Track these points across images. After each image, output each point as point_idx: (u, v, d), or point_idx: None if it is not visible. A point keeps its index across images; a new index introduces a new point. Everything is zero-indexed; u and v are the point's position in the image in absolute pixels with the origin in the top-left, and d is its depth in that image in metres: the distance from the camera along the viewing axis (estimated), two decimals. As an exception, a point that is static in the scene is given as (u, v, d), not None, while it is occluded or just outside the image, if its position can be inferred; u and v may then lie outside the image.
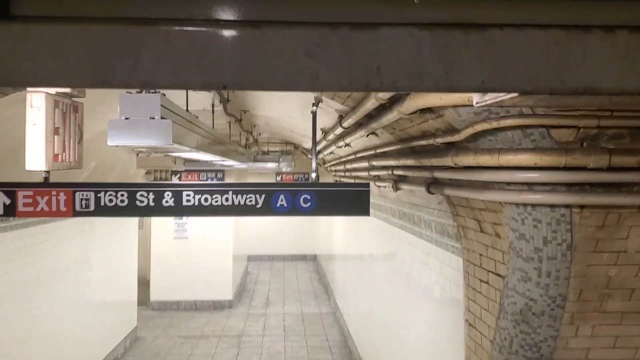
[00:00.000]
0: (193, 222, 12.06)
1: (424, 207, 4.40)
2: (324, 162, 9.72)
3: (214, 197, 4.08)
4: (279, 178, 19.06)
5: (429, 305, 4.56)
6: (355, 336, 8.86)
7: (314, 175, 4.08)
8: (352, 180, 7.69)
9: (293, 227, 18.69)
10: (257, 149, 11.23)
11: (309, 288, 14.32)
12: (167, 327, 10.60)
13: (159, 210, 4.04)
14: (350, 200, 4.09)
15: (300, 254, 18.94)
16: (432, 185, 3.64)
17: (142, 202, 4.04)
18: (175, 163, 8.17)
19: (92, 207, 4.05)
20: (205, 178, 12.09)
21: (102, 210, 4.05)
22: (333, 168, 9.00)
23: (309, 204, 4.08)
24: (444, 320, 4.16)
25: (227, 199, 4.07)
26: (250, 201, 4.10)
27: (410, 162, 3.84)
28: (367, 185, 4.06)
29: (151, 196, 4.06)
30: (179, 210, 4.04)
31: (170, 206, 4.05)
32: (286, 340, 9.75)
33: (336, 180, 9.41)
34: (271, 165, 11.28)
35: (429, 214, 4.31)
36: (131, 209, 4.05)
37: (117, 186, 4.05)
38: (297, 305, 12.44)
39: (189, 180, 12.06)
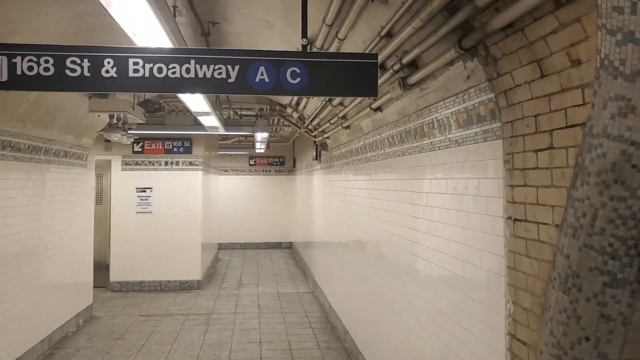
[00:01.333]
0: (158, 194, 10.99)
1: (442, 100, 3.48)
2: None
3: (170, 67, 3.11)
4: (252, 161, 18.06)
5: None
6: (339, 310, 7.92)
7: (304, 41, 3.12)
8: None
9: (267, 212, 17.68)
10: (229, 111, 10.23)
11: (285, 271, 13.33)
12: (127, 307, 9.49)
13: (96, 83, 3.06)
14: (353, 75, 3.17)
15: (275, 241, 17.92)
16: (465, 38, 2.73)
17: (73, 71, 3.07)
18: (133, 109, 7.12)
19: (4, 77, 3.06)
20: (170, 147, 11.05)
21: (19, 82, 3.06)
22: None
23: (297, 79, 3.15)
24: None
25: (188, 70, 3.10)
26: (220, 74, 3.14)
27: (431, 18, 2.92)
28: (375, 55, 3.14)
29: (86, 64, 3.09)
30: (124, 84, 3.05)
31: (112, 77, 3.08)
32: (261, 317, 8.74)
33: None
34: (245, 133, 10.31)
35: (449, 106, 3.39)
36: (59, 81, 3.06)
37: (39, 49, 3.07)
38: (272, 286, 11.44)
39: (152, 151, 11.01)
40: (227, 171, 17.78)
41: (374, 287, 5.71)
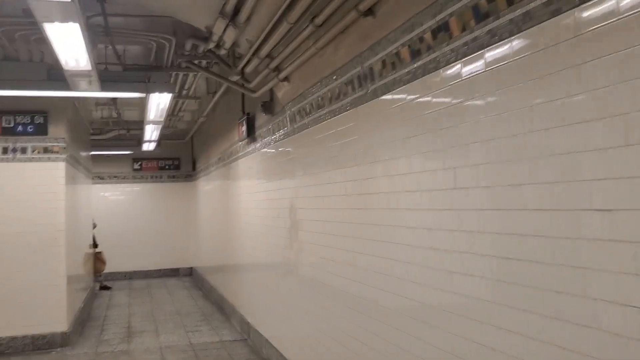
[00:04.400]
0: (-10, 200, 6.88)
1: None
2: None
3: None
4: (137, 165, 14.01)
5: None
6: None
7: None
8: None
9: (159, 231, 13.69)
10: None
11: (193, 308, 9.53)
12: None
13: None
14: None
15: (171, 267, 13.93)
16: None
17: None
18: None
19: None
20: (11, 124, 7.02)
21: None
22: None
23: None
24: None
25: None
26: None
27: None
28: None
29: None
30: None
31: None
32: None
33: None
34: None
35: None
36: None
37: None
38: (179, 333, 7.65)
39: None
40: (103, 178, 13.59)
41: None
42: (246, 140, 7.08)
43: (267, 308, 6.28)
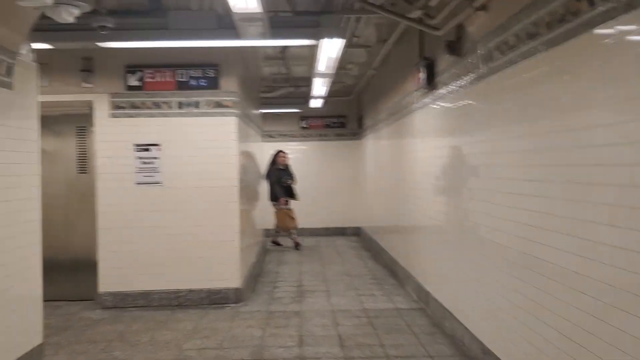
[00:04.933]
0: (169, 155, 6.94)
1: None
2: None
3: None
4: (304, 123, 13.89)
5: None
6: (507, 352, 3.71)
7: None
8: None
9: (326, 189, 13.53)
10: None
11: (363, 270, 9.14)
12: (114, 343, 5.49)
13: None
14: None
15: (338, 226, 13.76)
16: None
17: None
18: None
19: None
20: (184, 78, 6.96)
21: None
22: None
23: None
24: None
25: None
26: None
27: None
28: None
29: None
30: None
31: None
32: (352, 370, 4.62)
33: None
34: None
35: None
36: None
37: None
38: (351, 296, 7.28)
39: (157, 85, 6.98)
40: (272, 137, 13.67)
41: None
42: (424, 89, 6.32)
43: (450, 277, 5.58)
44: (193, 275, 6.90)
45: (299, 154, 13.58)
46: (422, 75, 6.23)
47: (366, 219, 12.60)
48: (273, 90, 11.84)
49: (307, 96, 12.13)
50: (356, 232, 13.69)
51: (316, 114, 13.57)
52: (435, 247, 6.15)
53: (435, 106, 6.06)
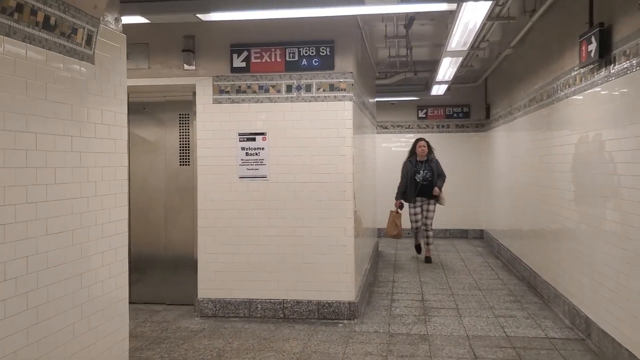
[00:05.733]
0: (276, 145, 6.07)
1: None
2: None
3: None
4: (422, 113, 12.67)
5: None
6: None
7: None
8: None
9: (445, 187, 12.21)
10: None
11: (495, 282, 7.82)
12: (210, 364, 4.71)
13: None
14: None
15: (459, 228, 12.41)
16: None
17: None
18: None
19: None
20: (294, 57, 6.06)
21: None
22: None
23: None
24: None
25: None
26: None
27: None
28: None
29: None
30: None
31: None
32: None
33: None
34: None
35: None
36: None
37: None
38: (487, 317, 6.03)
39: (264, 66, 6.14)
40: (385, 128, 12.59)
41: None
42: (593, 64, 4.95)
43: (629, 302, 4.23)
44: (300, 285, 6.00)
45: (416, 147, 12.34)
46: (591, 47, 4.87)
47: (493, 222, 11.16)
48: (388, 76, 10.73)
49: (427, 82, 10.90)
50: (479, 235, 12.27)
51: (436, 103, 12.30)
52: (603, 259, 4.77)
53: (608, 86, 4.68)
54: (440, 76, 8.91)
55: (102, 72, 3.71)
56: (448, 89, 10.93)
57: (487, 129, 11.85)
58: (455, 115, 12.39)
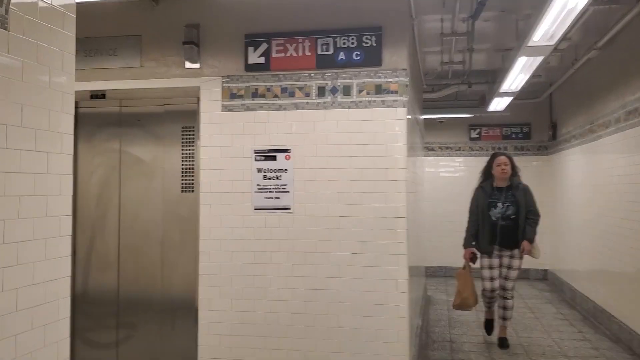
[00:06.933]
0: (303, 166, 4.55)
1: None
2: None
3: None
4: (475, 133, 11.05)
5: None
6: None
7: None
8: None
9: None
10: None
11: (583, 347, 6.09)
12: None
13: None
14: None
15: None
16: None
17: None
18: None
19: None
20: (327, 50, 4.58)
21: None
22: None
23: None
24: None
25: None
26: None
27: None
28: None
29: None
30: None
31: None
32: None
33: None
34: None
35: None
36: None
37: None
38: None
39: (286, 63, 4.65)
40: (432, 150, 10.99)
41: None
42: None
43: None
44: (334, 356, 4.41)
45: (466, 172, 10.70)
46: None
47: (561, 261, 9.40)
48: (435, 90, 9.17)
49: (484, 96, 9.31)
50: (542, 276, 10.48)
51: (491, 122, 10.67)
52: None
53: None
54: (506, 85, 7.32)
55: (24, 45, 2.27)
56: (507, 105, 9.33)
57: (552, 152, 10.16)
58: (513, 135, 10.72)
